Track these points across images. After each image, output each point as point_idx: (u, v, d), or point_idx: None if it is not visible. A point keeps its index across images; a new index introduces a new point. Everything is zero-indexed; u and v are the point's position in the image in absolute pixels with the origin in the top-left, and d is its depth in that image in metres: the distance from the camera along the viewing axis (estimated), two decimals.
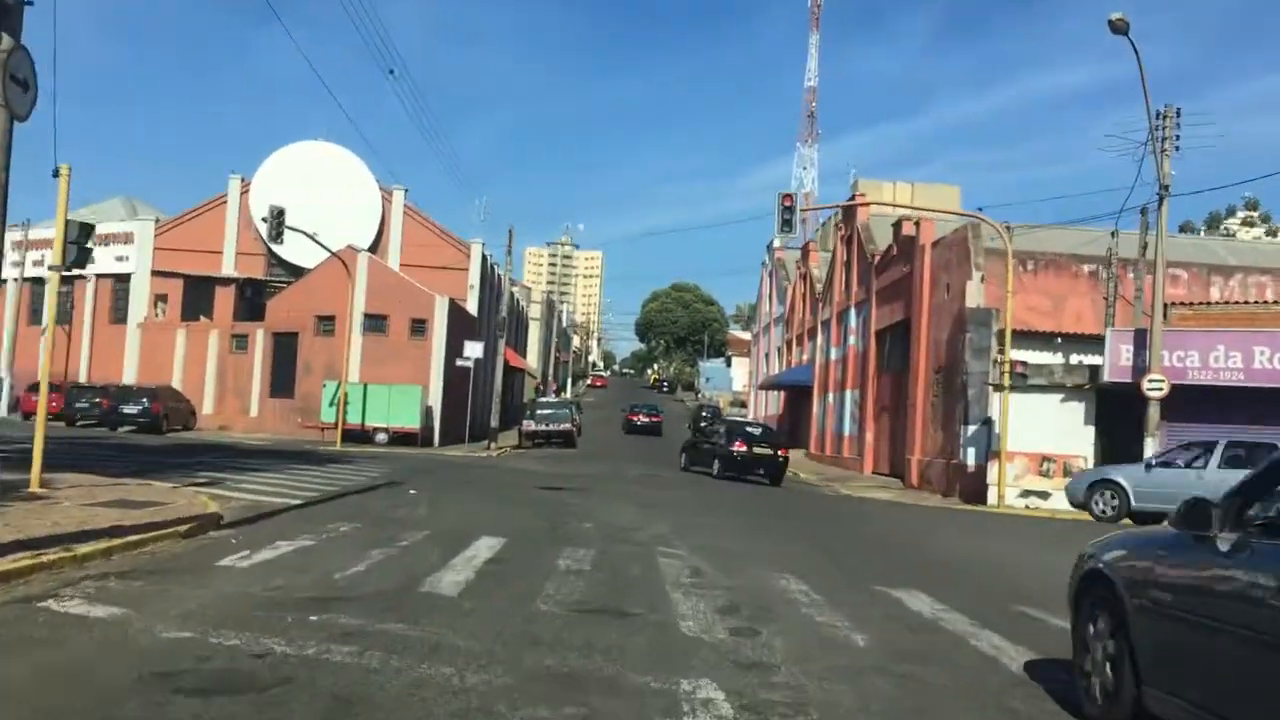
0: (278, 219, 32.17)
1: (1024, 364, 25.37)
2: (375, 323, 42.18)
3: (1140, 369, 24.07)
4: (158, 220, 49.63)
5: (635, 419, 63.00)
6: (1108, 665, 5.12)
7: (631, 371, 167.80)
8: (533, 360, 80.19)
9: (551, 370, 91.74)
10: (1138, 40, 22.39)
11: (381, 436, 39.00)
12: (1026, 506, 25.46)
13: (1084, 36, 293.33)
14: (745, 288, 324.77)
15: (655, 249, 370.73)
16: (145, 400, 40.08)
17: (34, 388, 42.20)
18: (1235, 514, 4.39)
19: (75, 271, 50.37)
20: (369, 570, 8.97)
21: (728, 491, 24.19)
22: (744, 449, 30.98)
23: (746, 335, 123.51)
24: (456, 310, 43.66)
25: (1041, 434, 25.88)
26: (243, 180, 48.79)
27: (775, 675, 5.84)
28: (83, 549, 8.87)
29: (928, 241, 33.39)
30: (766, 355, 68.86)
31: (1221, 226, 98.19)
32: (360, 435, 38.93)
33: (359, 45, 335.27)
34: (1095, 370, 26.66)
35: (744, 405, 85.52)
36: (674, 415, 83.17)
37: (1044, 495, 25.77)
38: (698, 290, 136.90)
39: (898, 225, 37.20)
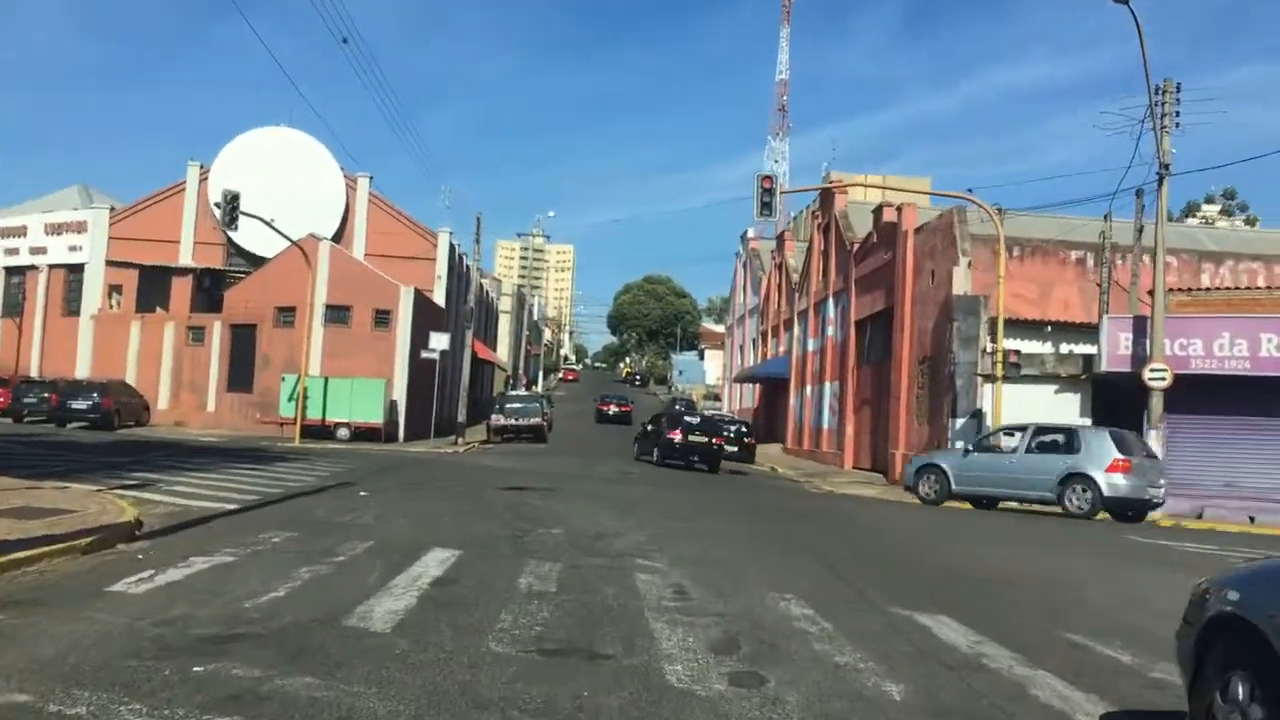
0: (231, 204, 30.48)
1: (1018, 353, 24.14)
2: (337, 314, 40.49)
3: (1140, 358, 22.91)
4: (112, 208, 47.64)
5: (606, 409, 64.22)
6: None
7: (604, 365, 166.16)
8: (503, 354, 78.56)
9: (522, 364, 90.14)
10: (1118, 24, 21.17)
11: (343, 432, 37.38)
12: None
13: (1053, 31, 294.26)
14: (717, 279, 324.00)
15: (625, 241, 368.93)
16: (95, 395, 38.23)
17: None
18: None
19: (28, 261, 48.99)
20: (290, 596, 7.51)
21: (707, 491, 22.81)
22: (681, 437, 32.26)
23: (719, 328, 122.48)
24: (422, 301, 42.05)
25: None
26: (201, 167, 46.89)
27: None
28: None
29: (910, 228, 32.16)
30: (741, 347, 67.60)
31: (1199, 215, 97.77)
32: (321, 431, 37.30)
33: (325, 37, 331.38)
34: (1089, 360, 25.50)
35: (718, 399, 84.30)
36: (646, 408, 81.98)
37: None
38: (670, 283, 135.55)
39: (878, 212, 35.97)
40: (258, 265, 43.30)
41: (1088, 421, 24.61)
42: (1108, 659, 6.69)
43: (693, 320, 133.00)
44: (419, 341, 38.89)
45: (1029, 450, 21.03)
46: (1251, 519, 22.51)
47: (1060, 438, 20.76)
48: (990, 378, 24.77)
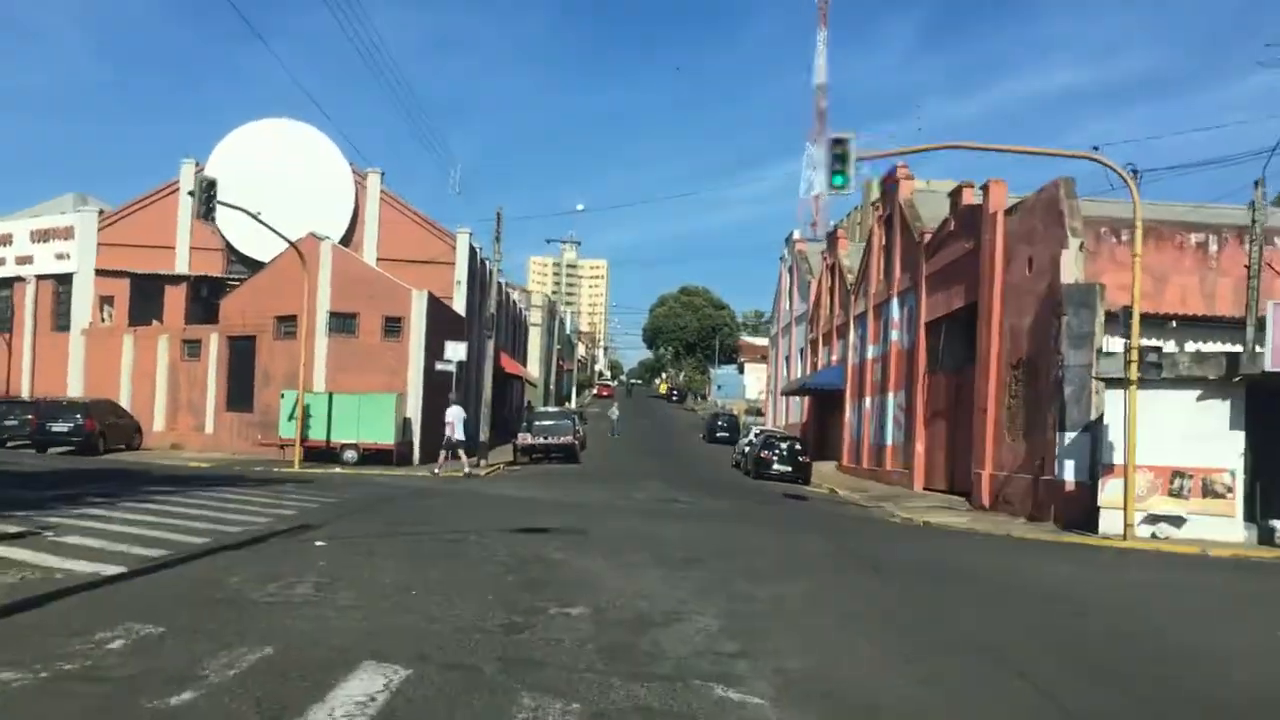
0: (207, 192, 26.43)
1: (1158, 350, 19.47)
2: (342, 322, 36.33)
3: None
4: (101, 212, 43.80)
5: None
6: None
7: (639, 381, 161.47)
8: (533, 368, 74.36)
9: (554, 379, 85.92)
10: (1124, 40, 16.56)
11: (350, 454, 33.20)
12: (1154, 536, 19.62)
13: (1075, 36, 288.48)
14: (752, 292, 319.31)
15: (658, 256, 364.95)
16: (78, 417, 34.37)
17: None
18: None
19: (14, 272, 45.34)
20: None
21: (775, 527, 18.28)
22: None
23: (757, 340, 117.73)
24: (438, 307, 37.82)
25: (1169, 442, 19.94)
26: (197, 164, 42.95)
27: None
28: None
29: (999, 209, 27.57)
30: (787, 358, 62.95)
31: None
32: (326, 454, 33.18)
33: (347, 49, 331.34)
34: (1234, 359, 20.78)
35: (760, 413, 79.69)
36: (686, 425, 77.53)
37: (1176, 521, 19.90)
38: (707, 294, 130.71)
39: (956, 194, 31.42)
40: (259, 272, 39.30)
41: (1239, 435, 19.92)
42: None
43: (731, 332, 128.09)
44: (434, 352, 34.66)
45: None
46: None
47: None
48: (1118, 382, 20.12)
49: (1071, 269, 23.24)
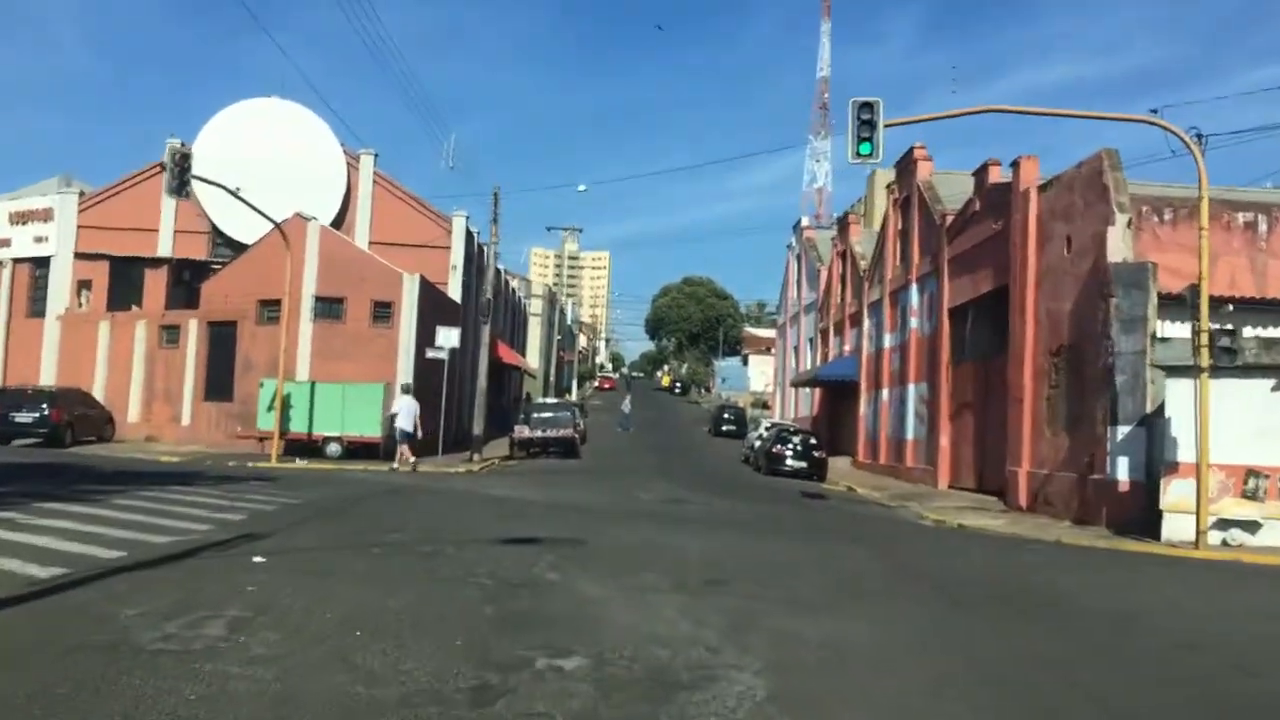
0: (180, 165, 24.30)
1: (1230, 334, 17.26)
2: (328, 307, 34.14)
3: None
4: (82, 193, 41.59)
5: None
6: None
7: (641, 374, 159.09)
8: (533, 359, 72.19)
9: (554, 371, 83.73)
10: (1131, 33, 14.37)
11: (333, 448, 31.04)
12: (1225, 543, 17.48)
13: (1075, 32, 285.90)
14: (754, 285, 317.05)
15: (659, 249, 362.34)
16: (44, 406, 32.19)
17: None
18: None
19: None
20: None
21: (801, 535, 16.11)
22: None
23: (761, 332, 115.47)
24: (430, 291, 35.63)
25: (1240, 437, 17.80)
26: (182, 145, 40.62)
27: None
28: None
29: (1031, 185, 25.38)
30: (795, 349, 60.70)
31: None
32: (308, 447, 31.03)
33: (348, 32, 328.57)
34: None
35: (766, 406, 77.52)
36: (690, 418, 75.36)
37: (1250, 527, 17.76)
38: (711, 284, 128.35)
39: (981, 172, 29.23)
40: (242, 254, 37.11)
41: None
42: None
43: (735, 323, 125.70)
44: (426, 340, 32.44)
45: None
46: None
47: None
48: (1179, 370, 17.97)
49: (1119, 247, 21.08)
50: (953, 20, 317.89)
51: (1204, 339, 16.97)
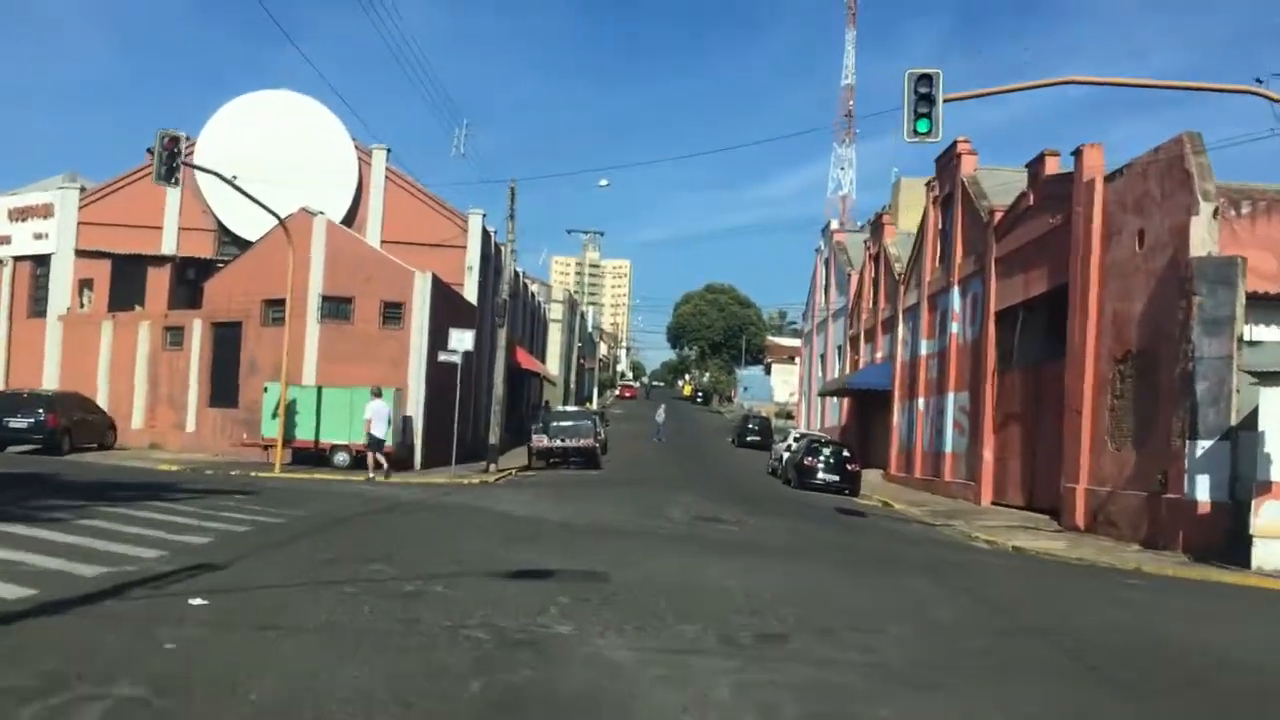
0: (168, 150, 22.53)
1: None
2: (336, 307, 32.33)
3: None
4: (83, 189, 39.99)
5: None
6: None
7: (662, 384, 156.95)
8: (553, 366, 70.33)
9: (574, 378, 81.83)
10: (1147, 47, 12.32)
11: (341, 458, 29.22)
12: None
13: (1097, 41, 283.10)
14: (775, 295, 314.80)
15: (681, 259, 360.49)
16: (40, 411, 30.55)
17: None
18: None
19: None
20: None
21: (871, 569, 14.06)
22: None
23: (783, 341, 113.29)
24: (444, 291, 33.76)
25: None
26: (187, 139, 39.04)
27: None
28: None
29: (1098, 174, 23.31)
30: (823, 356, 58.66)
31: None
32: (314, 456, 29.28)
33: (369, 33, 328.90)
34: None
35: (791, 416, 75.47)
36: (713, 427, 73.33)
37: None
38: (733, 291, 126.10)
39: (1036, 164, 27.19)
40: (247, 250, 35.40)
41: None
42: None
43: (758, 331, 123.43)
44: (439, 342, 30.59)
45: None
46: None
47: None
48: (1274, 377, 15.92)
49: (1204, 240, 19.01)
50: (975, 30, 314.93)
51: None
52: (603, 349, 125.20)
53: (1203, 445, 18.23)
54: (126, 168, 40.26)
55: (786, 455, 37.15)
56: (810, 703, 5.85)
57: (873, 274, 46.72)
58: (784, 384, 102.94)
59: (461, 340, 29.29)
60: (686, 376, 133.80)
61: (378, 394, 27.46)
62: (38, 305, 39.94)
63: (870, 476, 38.28)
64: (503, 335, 33.82)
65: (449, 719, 5.17)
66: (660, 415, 57.39)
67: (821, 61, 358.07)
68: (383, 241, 38.05)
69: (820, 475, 32.94)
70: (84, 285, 39.43)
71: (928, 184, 37.82)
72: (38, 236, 39.86)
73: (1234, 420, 17.91)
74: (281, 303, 30.36)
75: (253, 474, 26.05)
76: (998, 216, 29.72)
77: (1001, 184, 31.89)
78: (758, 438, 56.72)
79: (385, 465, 26.67)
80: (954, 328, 33.47)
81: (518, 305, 50.59)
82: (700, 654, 6.95)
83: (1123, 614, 10.88)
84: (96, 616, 7.03)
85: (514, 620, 7.61)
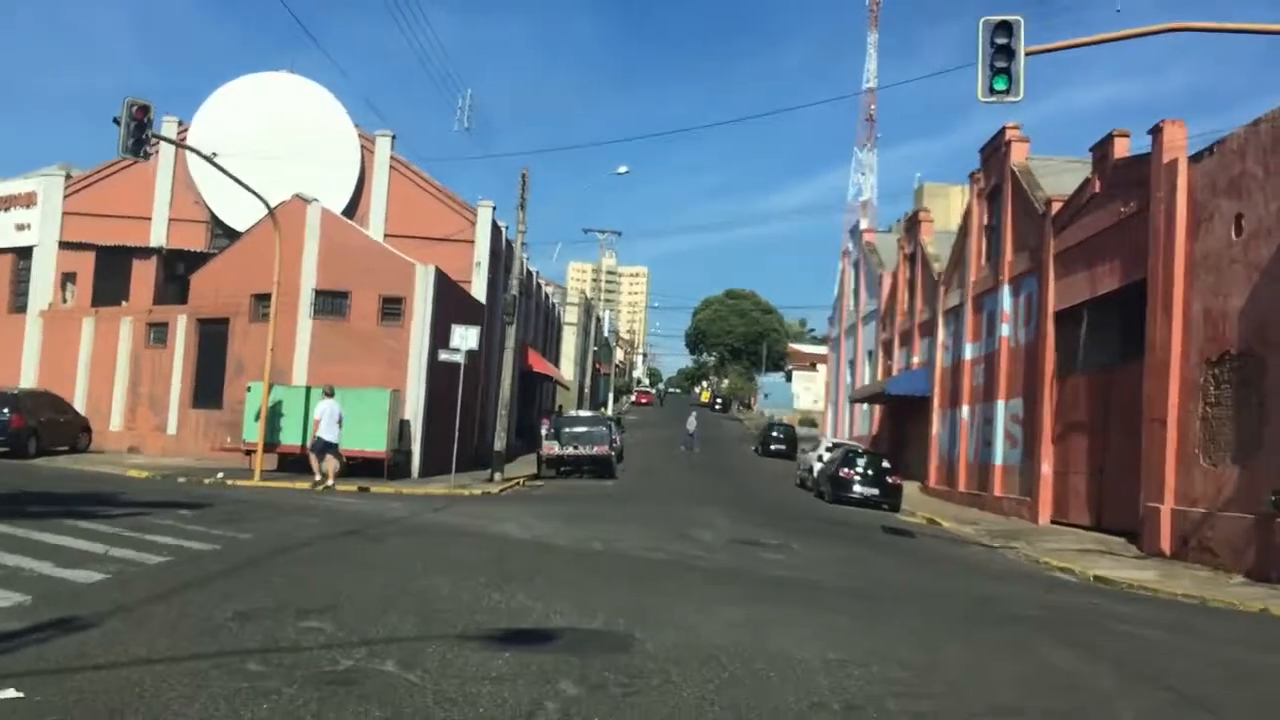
0: (136, 120, 19.95)
1: None
2: (330, 302, 29.67)
3: None
4: (68, 176, 37.49)
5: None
6: None
7: (677, 390, 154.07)
8: (567, 370, 67.68)
9: (589, 383, 79.10)
10: (1169, 58, 9.50)
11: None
12: None
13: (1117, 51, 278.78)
14: (796, 302, 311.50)
15: (699, 267, 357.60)
16: (5, 411, 28.00)
17: None
18: None
19: None
20: None
21: (986, 618, 11.28)
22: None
23: (807, 348, 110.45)
24: (448, 286, 31.05)
25: None
26: (180, 124, 36.59)
27: None
28: None
29: (1181, 154, 20.50)
30: (852, 362, 55.79)
31: None
32: (301, 462, 26.61)
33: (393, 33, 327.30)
34: None
35: (814, 424, 72.58)
36: (734, 435, 70.47)
37: None
38: (755, 297, 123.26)
39: (1103, 146, 24.35)
40: (235, 241, 32.80)
41: None
42: None
43: (780, 338, 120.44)
44: (441, 340, 27.91)
45: None
46: None
47: None
48: None
49: None
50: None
51: None
52: (619, 355, 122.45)
53: None
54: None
55: (819, 466, 34.30)
56: None
57: (908, 275, 43.89)
58: (805, 390, 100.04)
59: (464, 338, 26.60)
60: (704, 383, 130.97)
61: (330, 394, 24.77)
62: (19, 300, 37.45)
63: (907, 489, 35.39)
64: (512, 334, 31.14)
65: None
66: (691, 423, 54.11)
67: (843, 69, 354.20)
68: (386, 235, 35.45)
69: (857, 488, 30.12)
70: (67, 279, 36.93)
71: (971, 176, 34.95)
72: (20, 227, 37.37)
73: None
74: (271, 297, 27.74)
75: (228, 482, 23.49)
76: (1055, 208, 26.91)
77: (1052, 175, 29.18)
78: (783, 446, 53.91)
79: (329, 476, 23.92)
80: (1004, 330, 30.64)
81: (530, 305, 47.94)
82: None
83: None
84: None
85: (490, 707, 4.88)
